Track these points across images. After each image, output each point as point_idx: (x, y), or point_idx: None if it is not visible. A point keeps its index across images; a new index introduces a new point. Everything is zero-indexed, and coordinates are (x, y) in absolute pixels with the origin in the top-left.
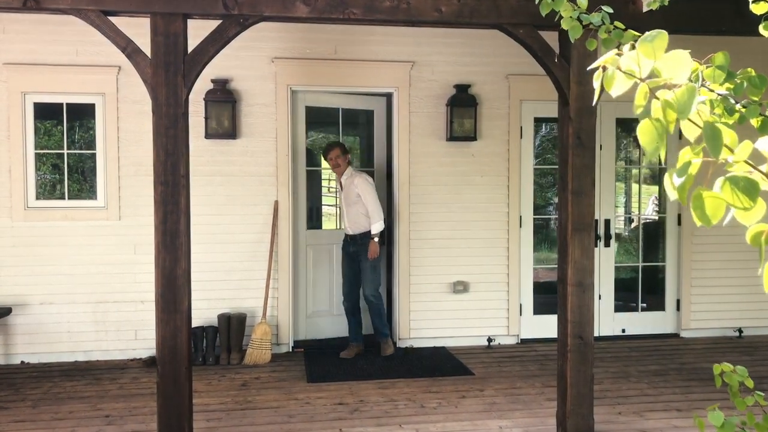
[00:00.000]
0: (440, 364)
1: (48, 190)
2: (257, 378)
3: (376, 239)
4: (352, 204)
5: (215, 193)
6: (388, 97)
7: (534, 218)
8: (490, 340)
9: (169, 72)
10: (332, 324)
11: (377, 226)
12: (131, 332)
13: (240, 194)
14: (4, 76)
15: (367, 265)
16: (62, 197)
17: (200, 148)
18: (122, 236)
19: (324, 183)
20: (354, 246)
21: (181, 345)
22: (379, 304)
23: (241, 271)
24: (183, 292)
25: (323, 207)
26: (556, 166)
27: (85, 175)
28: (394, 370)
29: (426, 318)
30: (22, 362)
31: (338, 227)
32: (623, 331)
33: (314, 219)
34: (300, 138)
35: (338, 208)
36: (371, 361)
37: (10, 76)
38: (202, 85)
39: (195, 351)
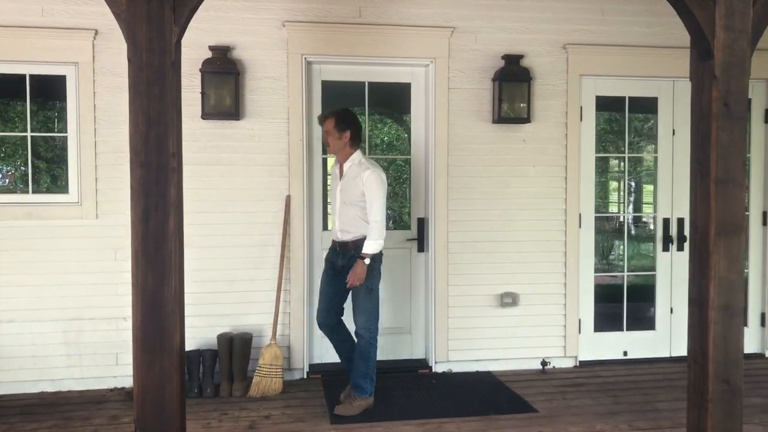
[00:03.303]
0: (492, 397)
1: (8, 182)
2: (267, 416)
3: (367, 261)
4: (351, 203)
5: (214, 186)
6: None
7: (596, 216)
8: (544, 363)
9: (152, 1)
10: None
11: (374, 245)
12: (111, 356)
13: (244, 187)
14: None
15: (361, 288)
16: (26, 191)
17: (196, 131)
18: (100, 238)
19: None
20: (343, 259)
21: (171, 398)
22: (370, 344)
23: (245, 281)
24: (173, 323)
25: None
26: (623, 155)
27: (54, 163)
28: (436, 406)
29: (468, 337)
30: None
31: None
32: None
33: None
34: (316, 119)
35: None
36: (407, 394)
37: None
38: (198, 53)
39: (189, 380)
